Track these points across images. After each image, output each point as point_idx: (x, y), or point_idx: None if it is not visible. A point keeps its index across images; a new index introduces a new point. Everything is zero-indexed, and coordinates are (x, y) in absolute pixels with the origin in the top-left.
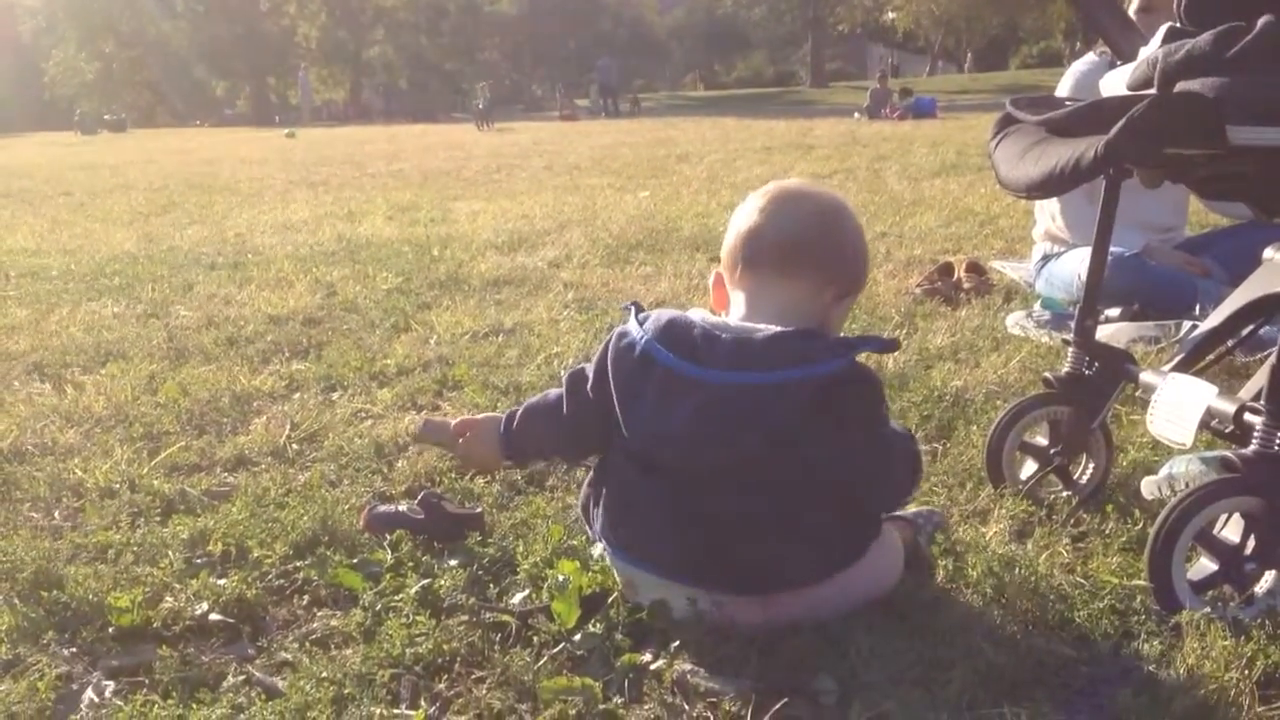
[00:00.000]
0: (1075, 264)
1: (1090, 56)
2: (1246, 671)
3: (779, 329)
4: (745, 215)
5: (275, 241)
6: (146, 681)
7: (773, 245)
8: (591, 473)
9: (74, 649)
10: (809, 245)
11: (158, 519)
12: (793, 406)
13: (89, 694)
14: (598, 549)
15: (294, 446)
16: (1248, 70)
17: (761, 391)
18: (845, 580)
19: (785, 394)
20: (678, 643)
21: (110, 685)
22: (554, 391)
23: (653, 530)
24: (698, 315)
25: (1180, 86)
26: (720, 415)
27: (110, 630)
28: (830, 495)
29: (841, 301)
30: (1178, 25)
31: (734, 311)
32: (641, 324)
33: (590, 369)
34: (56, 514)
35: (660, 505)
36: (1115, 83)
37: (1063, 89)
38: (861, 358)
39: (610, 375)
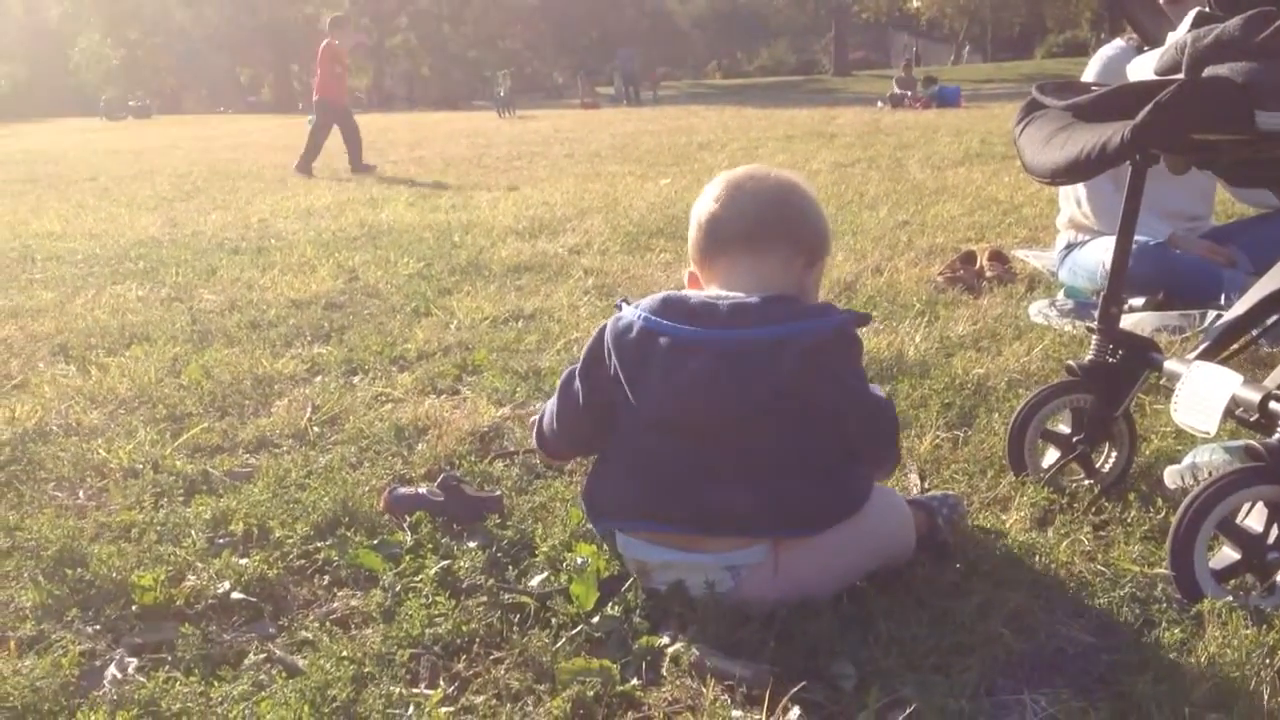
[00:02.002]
0: (1099, 253)
1: (1118, 42)
2: (1268, 660)
3: (769, 294)
4: (703, 206)
5: (298, 227)
6: (169, 658)
7: (737, 226)
8: (594, 464)
9: (97, 626)
10: (771, 219)
11: (180, 499)
12: (795, 357)
13: (112, 670)
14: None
15: (315, 429)
16: (1277, 56)
17: (766, 345)
18: (848, 537)
19: (788, 346)
20: (696, 626)
21: (133, 662)
22: (549, 406)
23: (673, 488)
24: (690, 292)
25: (1209, 71)
26: (729, 368)
27: (133, 608)
28: (830, 442)
29: (811, 269)
30: (1207, 10)
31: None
32: (638, 307)
33: (578, 367)
34: (81, 493)
35: (678, 463)
36: (1143, 68)
37: (1089, 74)
38: None
39: (614, 356)
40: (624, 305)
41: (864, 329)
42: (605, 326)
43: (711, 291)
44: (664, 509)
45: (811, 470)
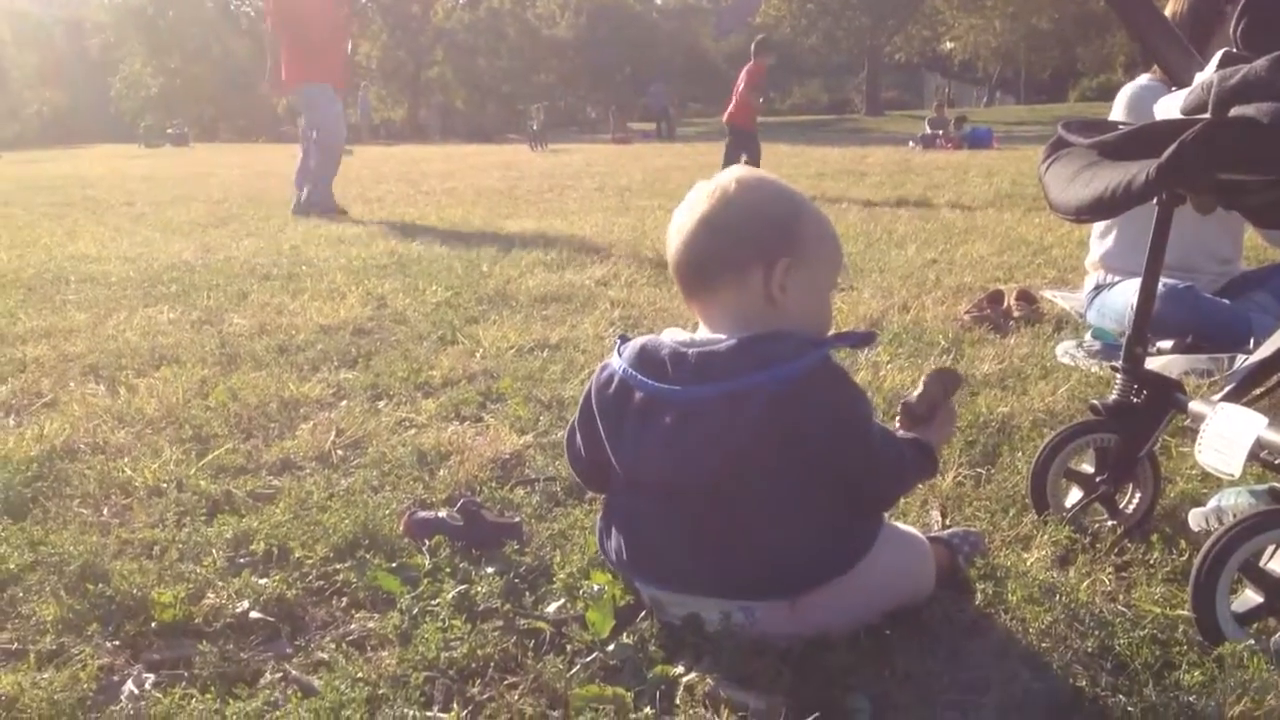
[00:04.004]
0: (1128, 294)
1: (1145, 78)
2: None
3: (743, 336)
4: (668, 251)
5: (329, 254)
6: (186, 675)
7: (686, 271)
8: (602, 506)
9: (116, 642)
10: (703, 254)
11: (203, 518)
12: (754, 411)
13: (129, 685)
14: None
15: (338, 452)
16: None
17: (723, 401)
18: (865, 578)
19: (746, 400)
20: (710, 656)
21: (150, 678)
22: None
23: (665, 551)
24: (669, 336)
25: (1235, 111)
26: (689, 428)
27: (153, 625)
28: (822, 491)
29: (773, 271)
30: (1234, 50)
31: (700, 331)
32: (621, 355)
33: (575, 421)
34: (105, 511)
35: (665, 526)
36: (1170, 107)
37: (1117, 110)
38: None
39: (597, 412)
40: (624, 340)
41: (873, 355)
42: (592, 380)
43: (686, 336)
44: (651, 569)
45: (795, 532)
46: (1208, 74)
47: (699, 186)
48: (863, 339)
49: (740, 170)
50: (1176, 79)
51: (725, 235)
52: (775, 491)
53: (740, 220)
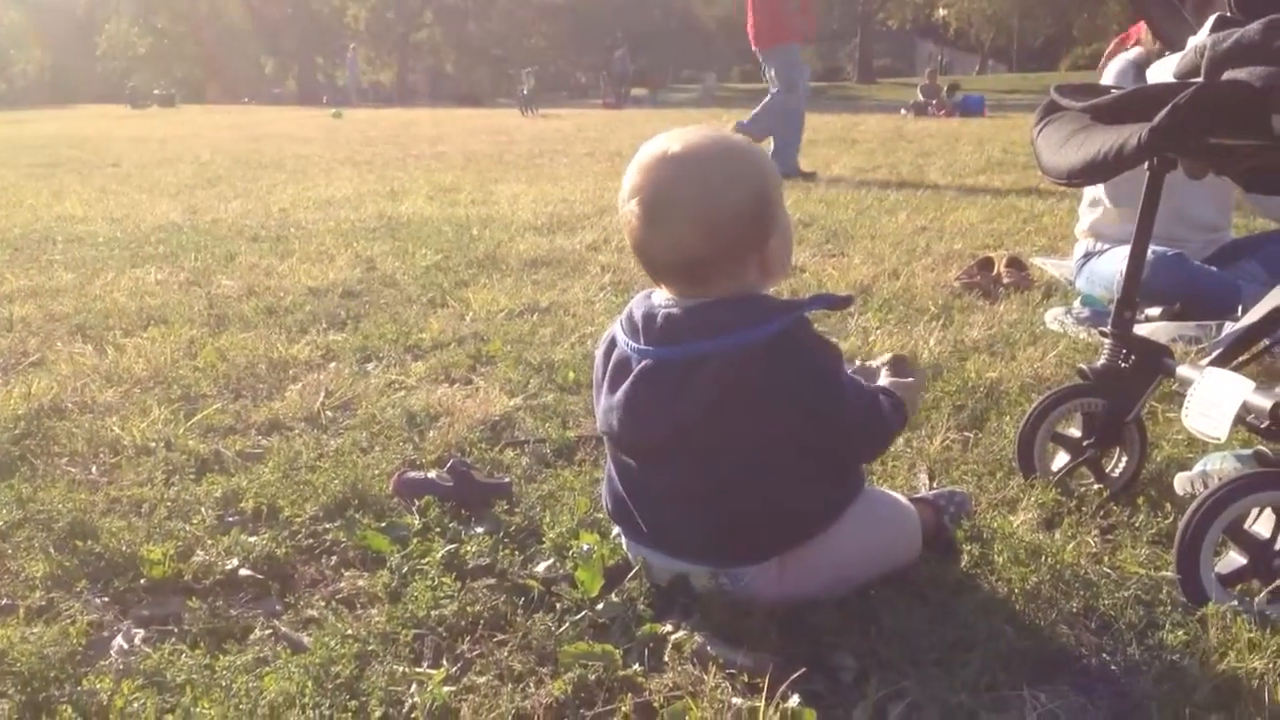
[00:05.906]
0: (1117, 262)
1: (1133, 53)
2: (1271, 663)
3: (712, 299)
4: (624, 216)
5: (318, 217)
6: (175, 631)
7: (667, 265)
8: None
9: (106, 598)
10: (698, 256)
11: (191, 477)
12: (711, 376)
13: (119, 641)
14: (615, 530)
15: (327, 413)
16: None
17: (680, 364)
18: (852, 545)
19: (703, 365)
20: (699, 615)
21: (140, 633)
22: None
23: (640, 510)
24: (657, 296)
25: (1228, 75)
26: (645, 390)
27: (142, 581)
28: (797, 451)
29: (767, 253)
30: (1228, 14)
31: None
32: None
33: None
34: (93, 469)
35: (629, 481)
36: (1163, 72)
37: (1106, 80)
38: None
39: (596, 365)
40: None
41: (863, 320)
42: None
43: (662, 298)
44: (633, 525)
45: (756, 498)
46: (1201, 38)
47: (658, 163)
48: (840, 301)
49: (703, 145)
50: (1168, 43)
51: (722, 237)
52: (745, 452)
53: (734, 217)
